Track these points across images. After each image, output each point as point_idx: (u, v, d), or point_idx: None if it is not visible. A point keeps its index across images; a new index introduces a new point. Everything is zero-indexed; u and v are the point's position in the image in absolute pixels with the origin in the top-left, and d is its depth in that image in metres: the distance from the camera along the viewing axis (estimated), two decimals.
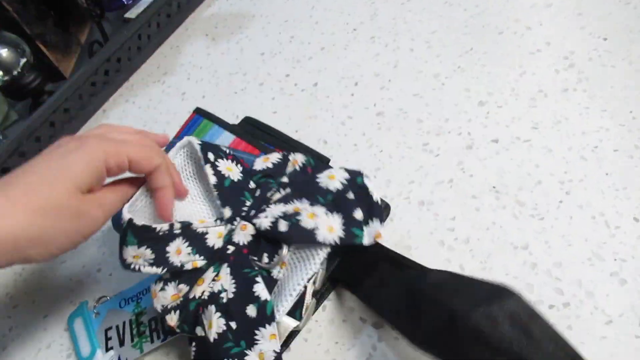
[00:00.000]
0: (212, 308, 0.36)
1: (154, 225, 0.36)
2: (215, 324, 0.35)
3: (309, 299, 0.37)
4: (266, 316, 0.35)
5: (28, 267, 0.54)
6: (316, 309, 0.41)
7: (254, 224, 0.39)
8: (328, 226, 0.37)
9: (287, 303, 0.36)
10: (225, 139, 0.49)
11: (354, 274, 0.39)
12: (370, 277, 0.38)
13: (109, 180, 0.37)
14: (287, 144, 0.52)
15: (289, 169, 0.43)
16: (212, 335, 0.35)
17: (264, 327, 0.35)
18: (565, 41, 0.54)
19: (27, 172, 0.32)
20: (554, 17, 0.56)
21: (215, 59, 0.69)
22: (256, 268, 0.38)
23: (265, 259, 0.38)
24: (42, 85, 0.69)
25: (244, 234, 0.39)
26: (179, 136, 0.51)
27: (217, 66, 0.68)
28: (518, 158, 0.47)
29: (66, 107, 0.65)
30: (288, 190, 0.41)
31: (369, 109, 0.56)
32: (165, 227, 0.37)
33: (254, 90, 0.63)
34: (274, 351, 0.35)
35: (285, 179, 0.42)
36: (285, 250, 0.38)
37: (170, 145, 0.51)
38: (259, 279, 0.37)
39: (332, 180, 0.39)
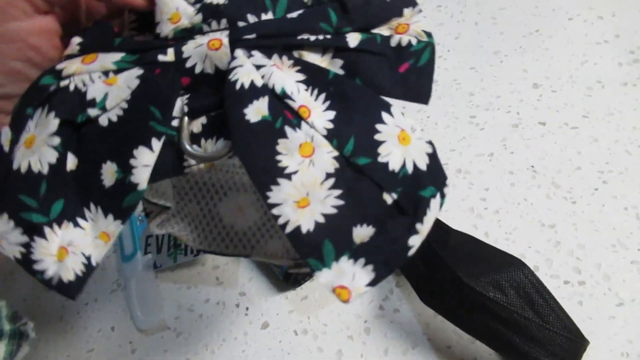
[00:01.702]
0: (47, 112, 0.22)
1: None
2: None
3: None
4: (122, 192, 0.21)
5: None
6: None
7: (231, 54, 0.21)
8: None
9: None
10: None
11: None
12: None
13: None
14: None
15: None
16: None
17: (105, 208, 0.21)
18: (636, 35, 0.53)
19: None
20: (629, 9, 0.55)
21: None
22: (171, 124, 0.21)
23: (198, 128, 0.22)
24: None
25: (210, 55, 0.21)
26: None
27: None
28: (562, 143, 0.48)
29: None
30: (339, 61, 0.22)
31: None
32: None
33: None
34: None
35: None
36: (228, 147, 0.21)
37: None
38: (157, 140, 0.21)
39: (394, 155, 0.20)
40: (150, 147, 0.20)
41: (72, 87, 0.22)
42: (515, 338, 0.31)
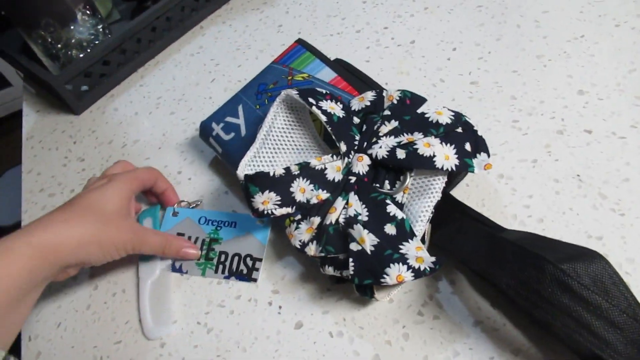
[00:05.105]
0: (359, 226, 0.37)
1: (266, 170, 0.39)
2: (367, 239, 0.36)
3: (427, 225, 0.40)
4: (406, 232, 0.37)
5: (114, 157, 0.58)
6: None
7: (369, 155, 0.41)
8: (444, 154, 0.39)
9: (420, 228, 0.38)
10: (325, 75, 0.50)
11: (433, 224, 0.41)
12: (448, 226, 0.39)
13: None
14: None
15: (387, 103, 0.44)
16: (369, 248, 0.36)
17: (407, 241, 0.37)
18: None
19: (77, 203, 0.41)
20: None
21: None
22: (381, 194, 0.40)
23: (387, 186, 0.41)
24: None
25: (361, 165, 0.41)
26: (278, 61, 0.53)
27: (317, 6, 0.69)
28: (609, 152, 0.46)
29: (168, 16, 0.68)
30: (394, 123, 0.43)
31: (463, 76, 0.56)
32: (280, 170, 0.39)
33: (350, 37, 0.64)
34: (431, 261, 0.36)
35: (387, 112, 0.43)
36: (409, 176, 0.40)
37: (268, 70, 0.53)
38: (389, 201, 0.39)
39: (440, 115, 0.42)
40: None
41: None
42: (595, 321, 0.29)
